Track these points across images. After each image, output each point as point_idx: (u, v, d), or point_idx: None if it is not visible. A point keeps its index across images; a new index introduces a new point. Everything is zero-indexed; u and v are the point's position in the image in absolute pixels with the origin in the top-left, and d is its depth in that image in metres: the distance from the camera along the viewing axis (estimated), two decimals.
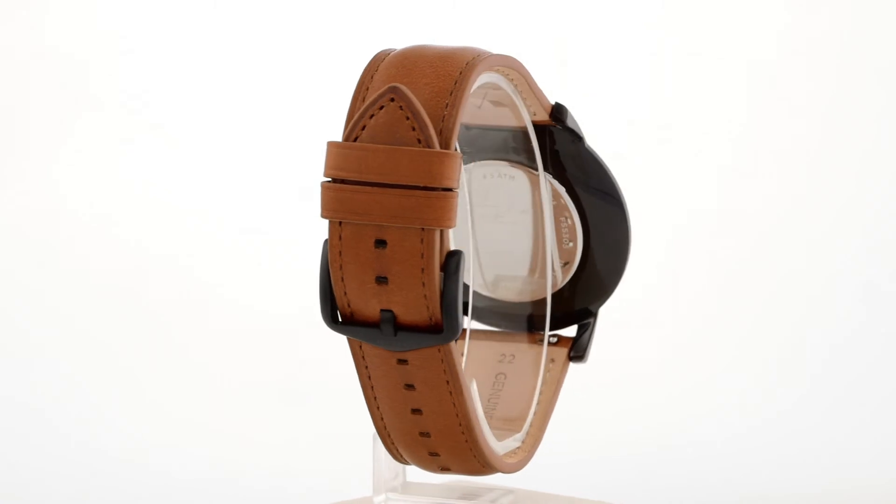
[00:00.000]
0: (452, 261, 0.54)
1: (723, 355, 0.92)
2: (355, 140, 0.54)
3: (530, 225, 0.64)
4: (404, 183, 0.53)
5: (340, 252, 0.54)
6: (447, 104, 0.54)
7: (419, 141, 0.53)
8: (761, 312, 0.96)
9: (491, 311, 0.66)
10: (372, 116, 0.54)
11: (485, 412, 0.64)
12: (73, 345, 0.92)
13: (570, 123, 0.62)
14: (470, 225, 0.65)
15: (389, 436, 0.60)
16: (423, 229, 0.53)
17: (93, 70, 1.03)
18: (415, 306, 0.54)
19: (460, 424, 0.58)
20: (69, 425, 0.85)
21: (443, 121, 0.54)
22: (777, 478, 0.79)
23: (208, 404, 0.87)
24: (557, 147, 0.63)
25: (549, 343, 0.65)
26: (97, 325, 0.94)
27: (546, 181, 0.63)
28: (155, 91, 1.03)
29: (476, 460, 0.59)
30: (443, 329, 0.54)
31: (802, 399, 0.88)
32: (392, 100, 0.53)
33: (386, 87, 0.54)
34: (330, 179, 0.54)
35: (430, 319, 0.54)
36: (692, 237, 0.98)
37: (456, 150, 0.54)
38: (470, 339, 0.66)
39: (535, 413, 0.63)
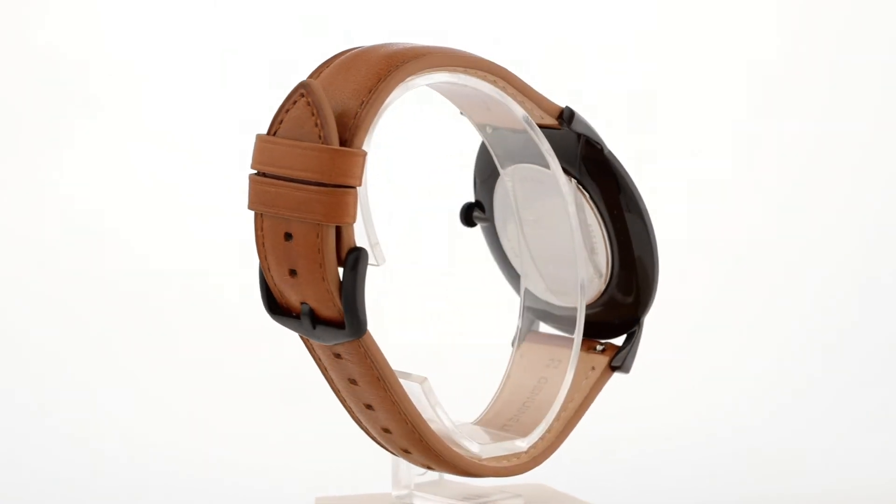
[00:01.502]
0: (350, 257, 0.54)
1: (723, 356, 0.92)
2: (274, 134, 0.55)
3: (561, 228, 0.63)
4: (301, 178, 0.54)
5: (263, 243, 0.56)
6: (363, 102, 0.55)
7: (320, 137, 0.54)
8: (761, 313, 0.96)
9: (556, 316, 0.66)
10: (287, 111, 0.55)
11: (514, 415, 0.64)
12: (73, 344, 0.92)
13: (578, 128, 0.62)
14: (519, 228, 0.65)
15: (369, 430, 0.60)
16: (318, 224, 0.54)
17: (93, 71, 1.03)
18: (323, 301, 0.55)
19: (407, 423, 0.58)
20: (69, 425, 0.85)
21: (355, 118, 0.55)
22: (777, 478, 0.79)
23: (212, 403, 0.87)
24: (577, 151, 0.62)
25: (596, 351, 0.65)
26: (97, 325, 0.94)
27: (569, 185, 0.63)
28: (156, 92, 1.03)
29: (442, 460, 0.59)
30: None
31: (802, 399, 0.88)
32: (302, 95, 0.54)
33: (299, 82, 0.55)
34: (255, 172, 0.56)
35: (339, 315, 0.55)
36: (691, 238, 0.99)
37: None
38: (526, 341, 0.66)
39: (556, 419, 0.63)
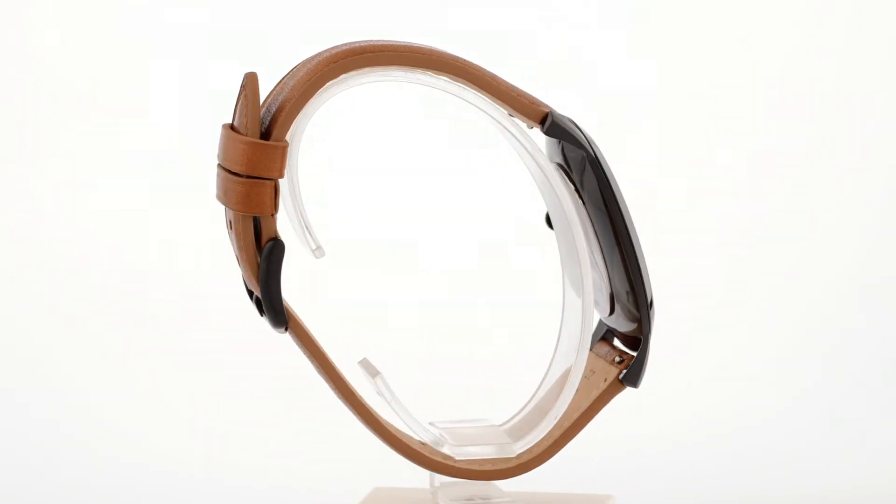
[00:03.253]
0: (266, 247, 0.56)
1: (723, 356, 0.92)
2: (232, 125, 0.57)
3: (569, 236, 0.62)
4: (228, 168, 0.56)
5: (229, 232, 0.58)
6: (292, 97, 0.56)
7: (246, 129, 0.56)
8: (761, 313, 0.96)
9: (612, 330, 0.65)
10: (239, 102, 0.57)
11: (533, 420, 0.63)
12: (74, 346, 0.92)
13: (553, 133, 0.60)
14: (557, 236, 0.64)
15: None
16: (239, 214, 0.56)
17: (96, 73, 1.03)
18: (255, 288, 0.57)
19: (355, 412, 0.59)
20: (71, 426, 0.85)
21: (283, 112, 0.56)
22: (777, 478, 0.79)
23: (225, 403, 0.87)
24: (571, 156, 0.61)
25: (615, 363, 0.63)
26: (97, 326, 0.94)
27: (566, 190, 0.61)
28: (155, 92, 1.03)
29: (407, 458, 0.60)
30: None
31: (802, 399, 0.88)
32: (245, 87, 0.56)
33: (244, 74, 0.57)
34: (218, 163, 0.58)
35: None
36: (692, 238, 0.99)
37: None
38: (593, 350, 0.65)
39: (556, 426, 0.62)
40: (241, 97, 0.56)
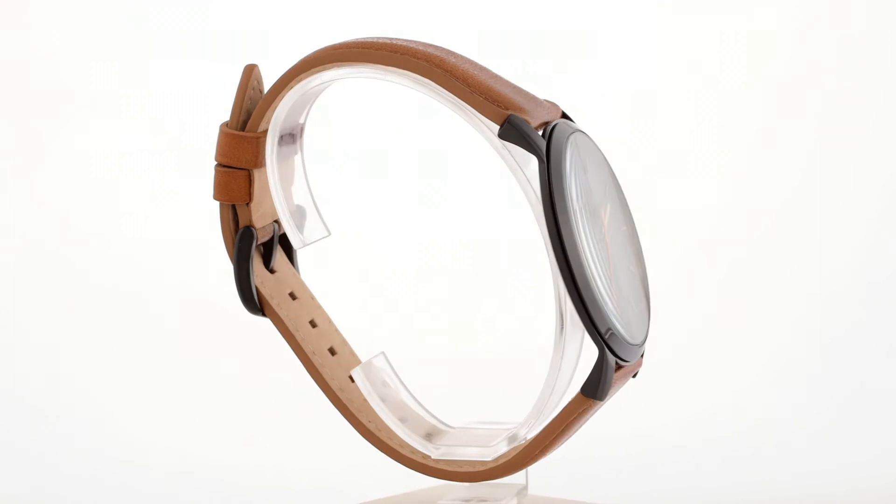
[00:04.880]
0: (238, 234, 0.59)
1: (722, 355, 0.92)
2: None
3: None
4: (216, 160, 0.59)
5: None
6: (266, 92, 0.58)
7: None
8: (761, 312, 0.96)
9: None
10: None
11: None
12: (74, 345, 0.92)
13: (507, 137, 0.54)
14: None
15: None
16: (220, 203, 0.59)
17: (95, 72, 1.03)
18: None
19: (333, 404, 0.60)
20: (71, 426, 0.85)
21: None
22: (777, 478, 0.80)
23: (226, 403, 0.87)
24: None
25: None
26: (98, 325, 0.94)
27: (534, 198, 0.56)
28: (154, 91, 1.03)
29: (388, 455, 0.60)
30: None
31: (802, 399, 0.88)
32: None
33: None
34: None
35: None
36: (691, 238, 0.99)
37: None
38: None
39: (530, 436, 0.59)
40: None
